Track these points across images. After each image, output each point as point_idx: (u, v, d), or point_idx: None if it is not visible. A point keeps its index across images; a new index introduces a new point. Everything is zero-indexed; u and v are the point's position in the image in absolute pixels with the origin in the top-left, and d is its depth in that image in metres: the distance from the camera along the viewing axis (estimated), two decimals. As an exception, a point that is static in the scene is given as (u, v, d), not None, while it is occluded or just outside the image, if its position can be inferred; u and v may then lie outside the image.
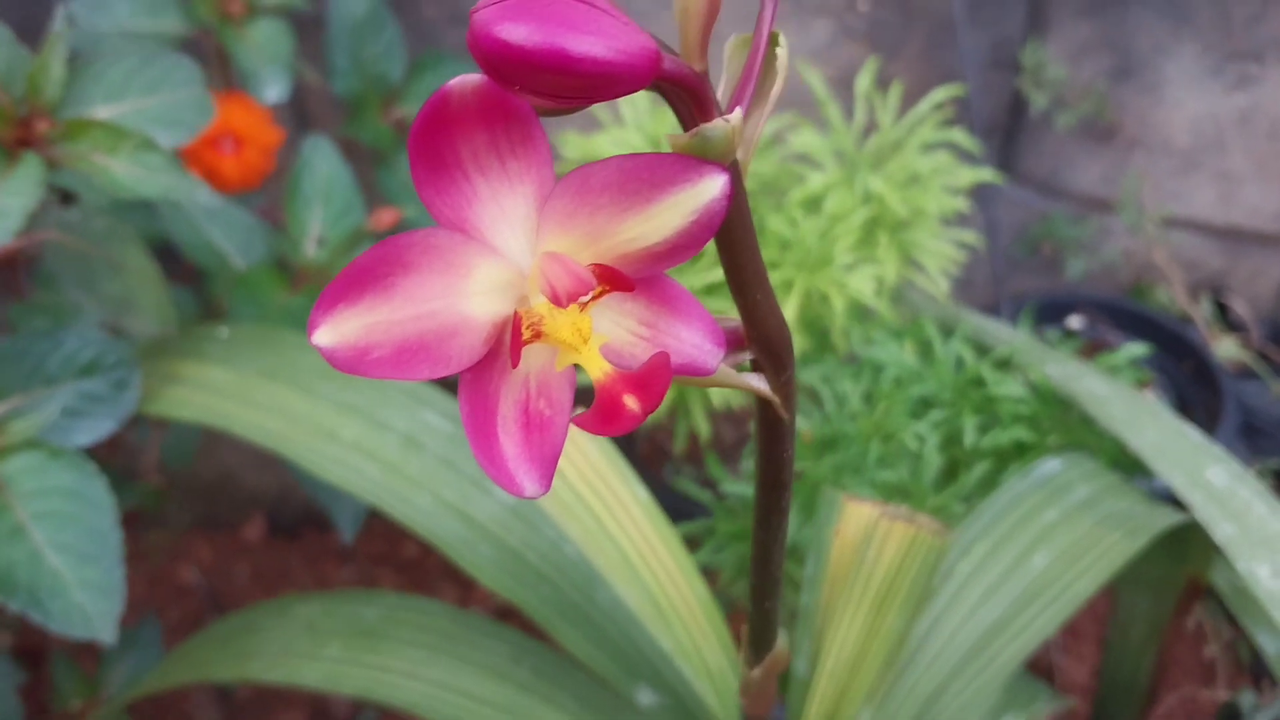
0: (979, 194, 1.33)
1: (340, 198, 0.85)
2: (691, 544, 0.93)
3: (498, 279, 0.29)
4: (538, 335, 0.30)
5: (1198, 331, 1.37)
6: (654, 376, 0.29)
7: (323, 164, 0.86)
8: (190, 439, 0.96)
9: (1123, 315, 1.35)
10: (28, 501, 0.61)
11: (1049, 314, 1.34)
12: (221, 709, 1.24)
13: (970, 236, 1.01)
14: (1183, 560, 0.96)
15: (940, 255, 0.97)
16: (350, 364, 0.28)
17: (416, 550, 1.40)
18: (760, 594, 0.43)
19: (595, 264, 0.29)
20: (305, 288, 0.81)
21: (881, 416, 0.86)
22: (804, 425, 0.86)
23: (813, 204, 0.97)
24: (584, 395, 0.30)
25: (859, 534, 0.62)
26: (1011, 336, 0.96)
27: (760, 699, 0.48)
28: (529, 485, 0.30)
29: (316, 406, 0.66)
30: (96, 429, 0.66)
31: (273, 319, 0.77)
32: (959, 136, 0.99)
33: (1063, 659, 1.29)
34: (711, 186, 0.28)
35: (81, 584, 0.59)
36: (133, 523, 1.39)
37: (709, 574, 0.94)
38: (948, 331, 0.96)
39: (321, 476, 0.63)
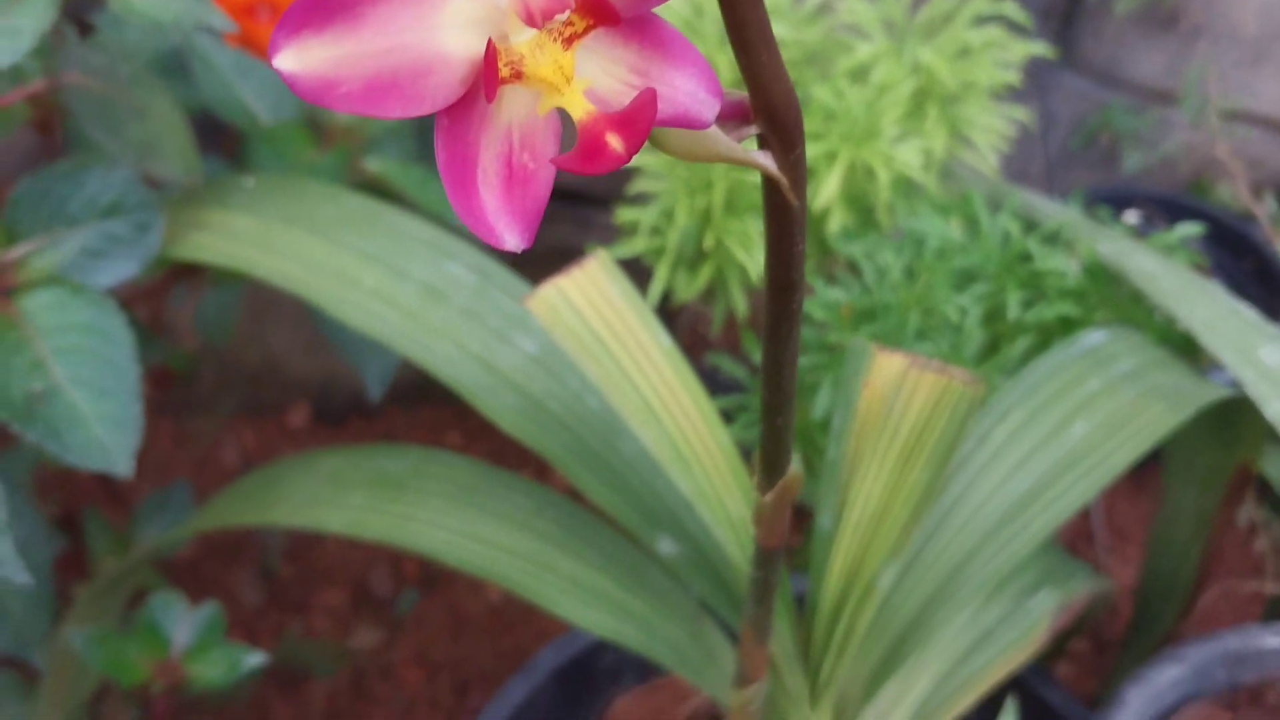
0: (1035, 84, 1.29)
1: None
2: (725, 419, 0.92)
3: (475, 12, 0.28)
4: (518, 75, 0.28)
5: (1260, 230, 1.33)
6: (639, 114, 0.27)
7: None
8: (229, 310, 0.96)
9: (1181, 211, 1.31)
10: (48, 337, 0.60)
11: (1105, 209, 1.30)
12: (264, 588, 1.26)
13: (1022, 112, 0.97)
14: (1233, 448, 0.93)
15: (990, 130, 0.94)
16: (315, 95, 0.27)
17: (459, 439, 1.40)
18: (772, 410, 0.41)
19: (579, -10, 0.27)
20: (335, 147, 0.80)
21: (923, 289, 0.83)
22: (843, 297, 0.84)
23: (860, 74, 0.94)
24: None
25: (888, 385, 0.60)
26: (1062, 214, 0.93)
27: (773, 528, 0.47)
28: (510, 238, 0.29)
29: (337, 254, 0.65)
30: (119, 270, 0.65)
31: (299, 175, 0.76)
32: (1011, 9, 0.95)
33: (1109, 560, 1.27)
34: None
35: (99, 417, 0.59)
36: (179, 410, 1.40)
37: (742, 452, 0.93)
38: (996, 208, 0.93)
39: (342, 320, 0.62)
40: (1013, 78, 0.93)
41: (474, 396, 0.62)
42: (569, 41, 0.28)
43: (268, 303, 1.36)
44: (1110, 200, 1.32)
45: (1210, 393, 0.77)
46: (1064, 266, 0.85)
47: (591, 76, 0.29)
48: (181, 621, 0.67)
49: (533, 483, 0.69)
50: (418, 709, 1.16)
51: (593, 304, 0.56)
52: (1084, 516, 1.29)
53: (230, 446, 1.39)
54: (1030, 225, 0.93)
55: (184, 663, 0.66)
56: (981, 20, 1.03)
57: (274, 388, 1.41)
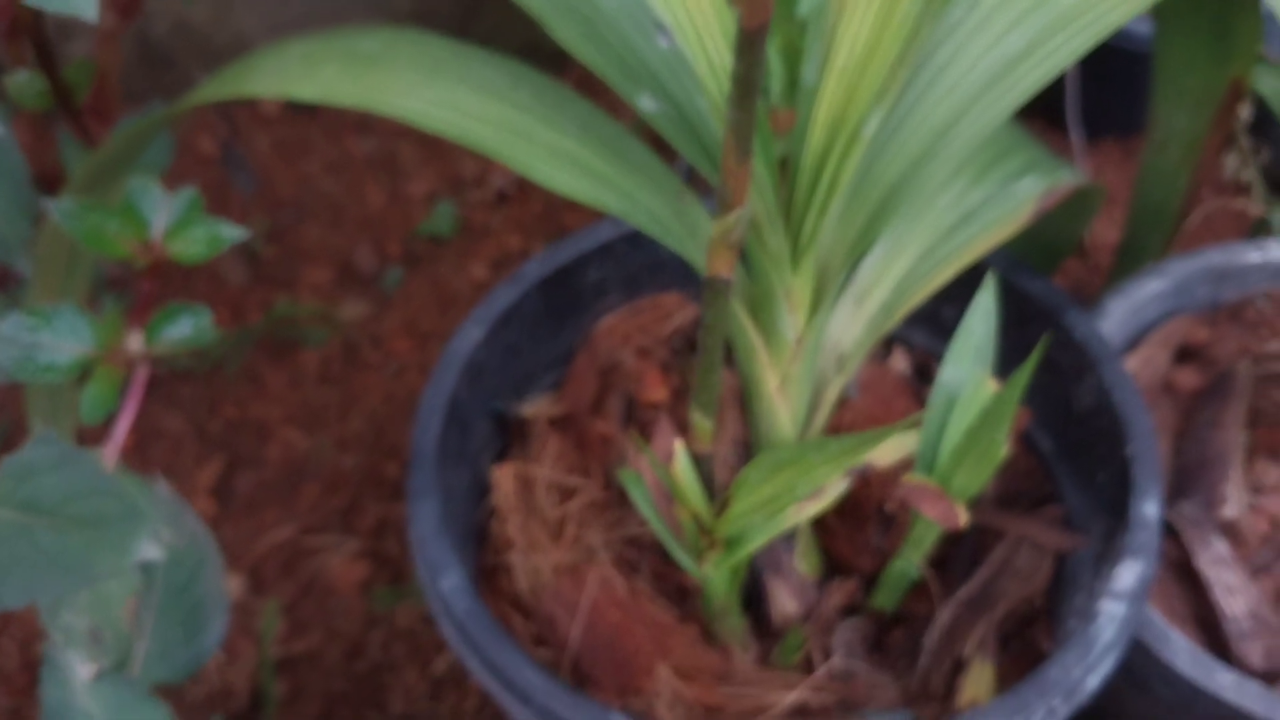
0: None
1: None
2: None
3: None
4: None
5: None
6: None
7: None
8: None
9: None
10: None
11: None
12: (248, 269, 1.26)
13: None
14: (1225, 63, 0.91)
15: None
16: None
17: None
18: None
19: None
20: None
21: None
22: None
23: None
24: None
25: (876, -84, 0.57)
26: None
27: (755, 1, 0.45)
28: None
29: None
30: None
31: None
32: None
33: (1096, 222, 1.27)
34: None
35: (55, -39, 0.57)
36: (159, 97, 1.37)
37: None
38: None
39: None
40: None
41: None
42: None
43: (234, -19, 1.32)
44: None
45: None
46: None
47: None
48: (160, 206, 0.66)
49: (509, 59, 0.68)
50: (409, 373, 1.17)
51: None
52: (1071, 177, 1.28)
53: (206, 134, 1.37)
54: None
55: (165, 241, 0.65)
56: None
57: (246, 72, 1.37)
